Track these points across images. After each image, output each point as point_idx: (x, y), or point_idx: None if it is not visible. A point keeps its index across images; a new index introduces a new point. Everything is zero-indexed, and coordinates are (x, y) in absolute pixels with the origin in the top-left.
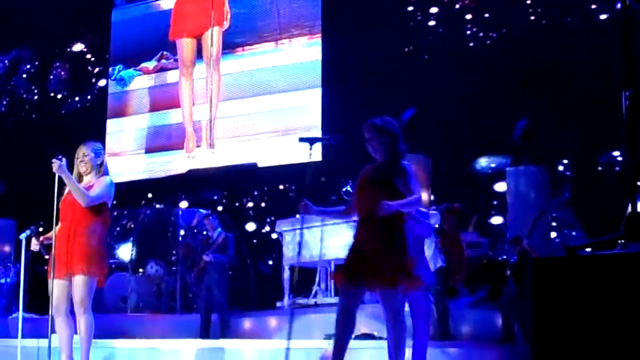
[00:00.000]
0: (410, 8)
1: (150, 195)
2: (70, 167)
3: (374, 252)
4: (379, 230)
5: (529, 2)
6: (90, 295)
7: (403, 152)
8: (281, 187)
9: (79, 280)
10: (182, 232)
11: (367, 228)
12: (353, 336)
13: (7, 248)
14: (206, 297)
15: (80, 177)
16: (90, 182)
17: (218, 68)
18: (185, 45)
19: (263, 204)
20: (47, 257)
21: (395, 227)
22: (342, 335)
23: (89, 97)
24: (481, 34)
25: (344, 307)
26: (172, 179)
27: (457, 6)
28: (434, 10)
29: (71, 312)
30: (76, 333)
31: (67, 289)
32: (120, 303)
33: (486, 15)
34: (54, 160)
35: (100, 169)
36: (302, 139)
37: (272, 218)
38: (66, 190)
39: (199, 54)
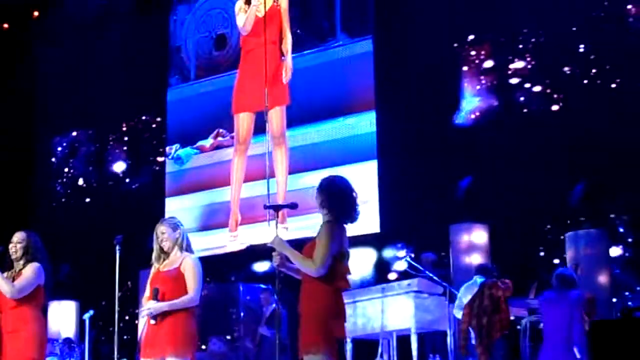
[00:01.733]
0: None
1: (211, 272)
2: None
3: (301, 317)
4: (305, 294)
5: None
6: None
7: (351, 213)
8: None
9: None
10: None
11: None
12: None
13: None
14: None
15: (163, 255)
16: (175, 260)
17: (284, 143)
18: (244, 121)
19: None
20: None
21: (320, 291)
22: None
23: (149, 176)
24: (536, 100)
25: None
26: (233, 255)
27: (510, 72)
28: (486, 78)
29: None
30: None
31: None
32: None
33: (540, 81)
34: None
35: (182, 243)
36: (266, 207)
37: None
38: (153, 268)
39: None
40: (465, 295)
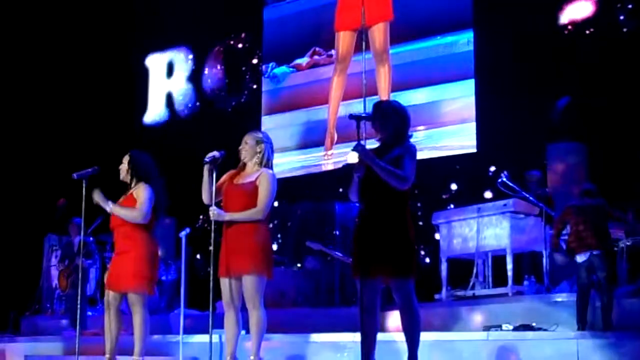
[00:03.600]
0: None
1: (307, 190)
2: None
3: (383, 242)
4: (384, 218)
5: None
6: (261, 292)
7: (409, 135)
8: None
9: (250, 279)
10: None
11: (372, 216)
12: (511, 327)
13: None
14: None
15: (243, 166)
16: (252, 173)
17: (388, 62)
18: (345, 39)
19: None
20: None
21: (401, 215)
22: (369, 331)
23: (245, 94)
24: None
25: (365, 303)
26: (329, 174)
27: None
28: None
29: (241, 309)
30: (244, 329)
31: (239, 286)
32: (279, 298)
33: None
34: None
35: (262, 158)
36: (350, 116)
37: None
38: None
39: (359, 47)
40: None
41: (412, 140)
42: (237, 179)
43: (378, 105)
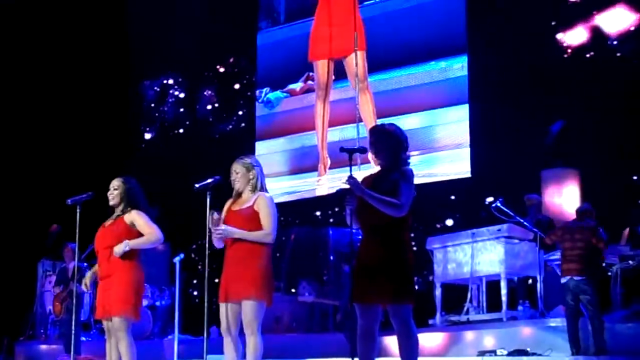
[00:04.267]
0: (553, 23)
1: (301, 216)
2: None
3: (382, 267)
4: (383, 244)
5: None
6: (260, 318)
7: (406, 159)
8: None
9: (249, 305)
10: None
11: (371, 242)
12: (506, 352)
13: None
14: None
15: (239, 195)
16: (249, 199)
17: (368, 90)
18: (322, 68)
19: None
20: (216, 280)
21: (400, 240)
22: (367, 357)
23: (238, 119)
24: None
25: (362, 328)
26: (323, 199)
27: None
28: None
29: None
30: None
31: (238, 311)
32: (273, 323)
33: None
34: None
35: (255, 183)
36: (341, 149)
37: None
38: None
39: (338, 75)
40: None
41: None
42: (235, 206)
43: (373, 130)
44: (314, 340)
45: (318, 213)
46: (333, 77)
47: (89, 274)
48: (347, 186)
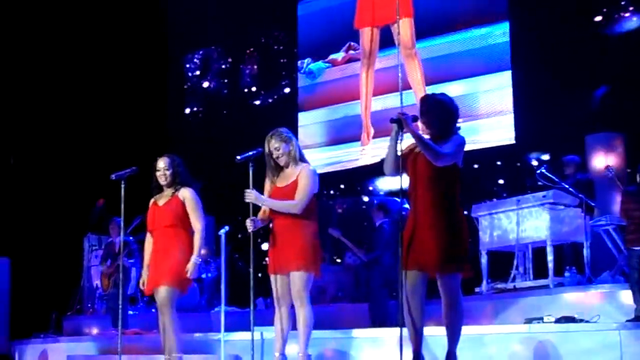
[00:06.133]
0: None
1: (343, 185)
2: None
3: (435, 235)
4: (436, 214)
5: None
6: (308, 288)
7: (457, 130)
8: (475, 169)
9: (297, 276)
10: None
11: (422, 210)
12: (553, 319)
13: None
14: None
15: (281, 169)
16: (292, 173)
17: (416, 56)
18: (367, 35)
19: None
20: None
21: (454, 210)
22: (416, 322)
23: (281, 90)
24: None
25: (410, 294)
26: (366, 169)
27: None
28: None
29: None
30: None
31: (287, 283)
32: (319, 294)
33: None
34: (247, 191)
35: (296, 154)
36: (391, 120)
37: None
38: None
39: (384, 44)
40: None
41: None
42: (281, 182)
43: (424, 100)
44: (361, 309)
45: (362, 182)
46: (378, 45)
47: (144, 274)
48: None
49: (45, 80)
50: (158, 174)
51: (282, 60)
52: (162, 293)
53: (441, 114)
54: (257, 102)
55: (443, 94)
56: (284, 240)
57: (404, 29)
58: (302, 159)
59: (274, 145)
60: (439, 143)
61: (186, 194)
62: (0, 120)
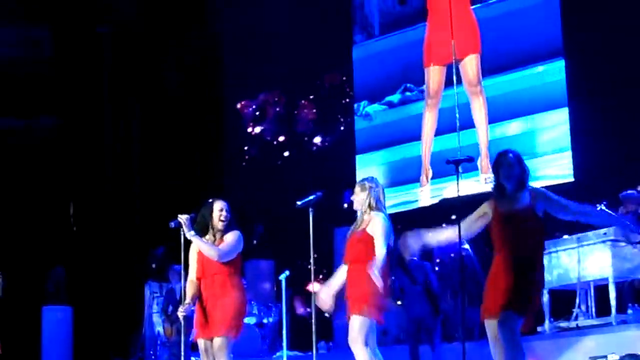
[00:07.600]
0: None
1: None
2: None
3: (515, 282)
4: (525, 265)
5: None
6: (363, 333)
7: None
8: None
9: (354, 319)
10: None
11: (516, 264)
12: (617, 357)
13: (267, 286)
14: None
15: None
16: (365, 221)
17: (481, 94)
18: (435, 74)
19: None
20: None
21: (539, 260)
22: None
23: (338, 134)
24: None
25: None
26: (425, 210)
27: None
28: None
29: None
30: None
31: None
32: (381, 336)
33: None
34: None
35: (369, 202)
36: (448, 161)
37: None
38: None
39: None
40: None
41: None
42: (356, 228)
43: (504, 155)
44: (422, 350)
45: (421, 224)
46: (444, 85)
47: (187, 303)
48: (449, 195)
49: (101, 127)
50: (220, 214)
51: (338, 104)
52: (217, 343)
53: (518, 171)
54: (315, 146)
55: (517, 152)
56: (356, 284)
57: (471, 65)
58: (377, 208)
59: (354, 190)
60: (517, 197)
61: (229, 236)
62: (60, 168)
